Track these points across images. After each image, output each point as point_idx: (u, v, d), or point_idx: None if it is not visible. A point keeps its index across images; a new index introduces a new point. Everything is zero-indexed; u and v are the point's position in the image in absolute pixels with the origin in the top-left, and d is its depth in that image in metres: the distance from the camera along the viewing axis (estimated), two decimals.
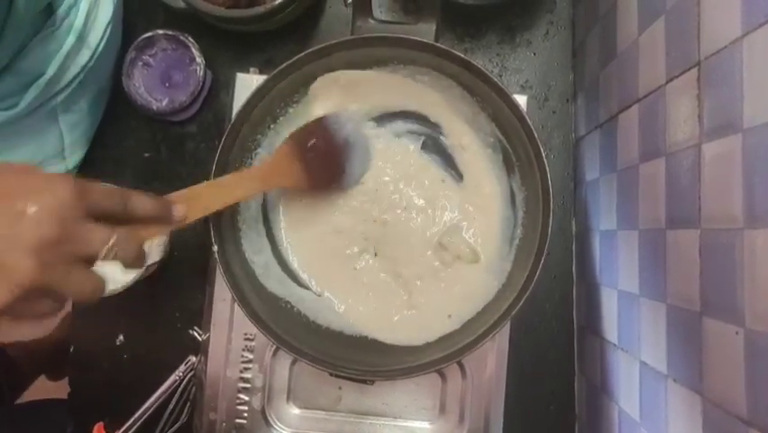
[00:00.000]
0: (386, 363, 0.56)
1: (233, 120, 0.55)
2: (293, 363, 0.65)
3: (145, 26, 0.69)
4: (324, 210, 0.63)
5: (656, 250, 0.48)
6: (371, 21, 0.56)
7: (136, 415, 0.64)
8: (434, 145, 0.64)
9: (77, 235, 0.37)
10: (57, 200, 0.36)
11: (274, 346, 0.64)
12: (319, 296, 0.62)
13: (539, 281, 0.52)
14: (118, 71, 0.68)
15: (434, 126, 0.63)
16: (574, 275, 0.70)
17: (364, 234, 0.63)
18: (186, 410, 0.66)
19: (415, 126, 0.63)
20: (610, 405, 0.59)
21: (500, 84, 0.54)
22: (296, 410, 0.65)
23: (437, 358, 0.55)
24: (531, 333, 0.69)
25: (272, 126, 0.60)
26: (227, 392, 0.65)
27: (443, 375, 0.65)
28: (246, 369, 0.65)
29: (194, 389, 0.66)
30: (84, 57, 0.61)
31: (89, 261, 0.39)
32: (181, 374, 0.66)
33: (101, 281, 0.40)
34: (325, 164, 0.59)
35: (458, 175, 0.63)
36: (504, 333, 0.65)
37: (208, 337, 0.65)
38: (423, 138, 0.63)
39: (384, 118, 0.63)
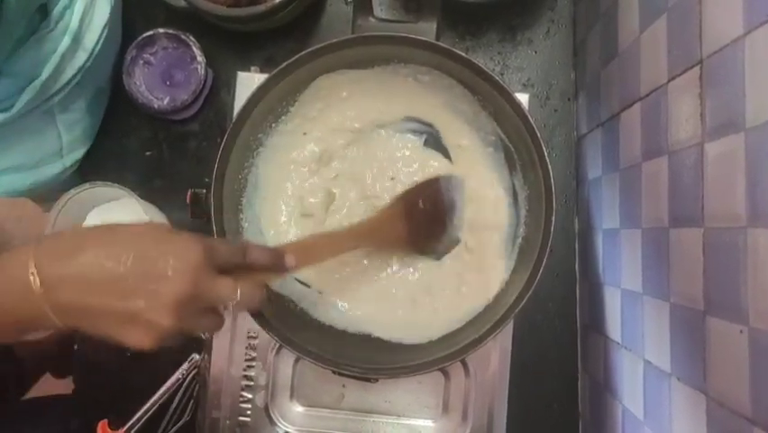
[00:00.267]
0: (389, 362, 0.57)
1: (234, 118, 0.55)
2: (296, 361, 0.65)
3: (146, 25, 0.69)
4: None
5: (659, 248, 0.48)
6: (372, 19, 0.56)
7: (140, 412, 0.64)
8: (435, 142, 0.64)
9: (207, 292, 0.42)
10: (191, 263, 0.41)
11: (277, 344, 0.64)
12: (321, 294, 0.62)
13: (542, 280, 0.52)
14: (119, 70, 0.68)
15: (434, 129, 0.63)
16: (577, 274, 0.70)
17: None
18: (189, 408, 0.67)
19: (415, 126, 0.64)
20: (614, 404, 0.59)
21: (502, 82, 0.53)
22: (299, 408, 0.65)
23: (440, 356, 0.55)
24: (534, 331, 0.69)
25: (274, 125, 0.60)
26: (230, 390, 0.65)
27: (446, 373, 0.65)
28: (249, 367, 0.65)
29: (197, 387, 0.67)
30: (80, 59, 0.61)
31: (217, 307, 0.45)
32: (185, 372, 0.66)
33: (223, 320, 0.46)
34: (429, 226, 0.59)
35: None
36: (507, 331, 0.64)
37: (212, 336, 0.65)
38: (425, 136, 0.63)
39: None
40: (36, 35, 0.57)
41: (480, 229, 0.62)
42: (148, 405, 0.65)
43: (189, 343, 0.67)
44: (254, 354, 0.65)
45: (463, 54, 0.54)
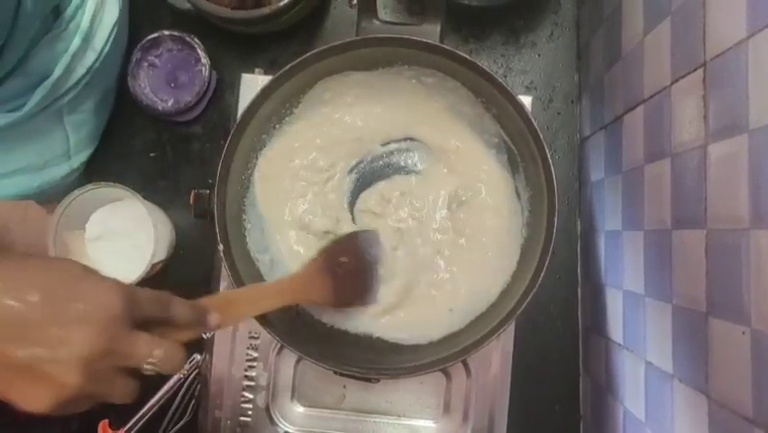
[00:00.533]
0: (390, 362, 0.57)
1: (238, 120, 0.55)
2: (297, 361, 0.65)
3: (151, 27, 0.70)
4: None
5: (662, 250, 0.48)
6: (376, 22, 0.56)
7: (141, 412, 0.64)
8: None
9: (124, 348, 0.36)
10: (107, 313, 0.35)
11: (278, 345, 0.64)
12: None
13: (544, 282, 0.52)
14: (124, 72, 0.68)
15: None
16: (579, 275, 0.70)
17: None
18: (190, 408, 0.67)
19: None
20: (615, 405, 0.59)
21: (505, 85, 0.54)
22: (300, 409, 0.66)
23: (442, 357, 0.55)
24: (536, 333, 0.69)
25: (277, 126, 0.61)
26: (232, 390, 0.65)
27: (447, 374, 0.65)
28: (251, 367, 0.65)
29: (198, 387, 0.67)
30: (90, 58, 0.62)
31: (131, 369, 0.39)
32: (186, 372, 0.66)
33: (137, 388, 0.39)
34: (354, 281, 0.59)
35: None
36: (509, 332, 0.65)
37: (213, 336, 0.65)
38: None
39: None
40: (49, 35, 0.58)
41: (481, 231, 0.62)
42: (149, 405, 0.65)
43: (190, 343, 0.67)
44: (255, 355, 0.65)
45: (467, 56, 0.54)
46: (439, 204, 0.63)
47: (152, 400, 0.65)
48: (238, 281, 0.54)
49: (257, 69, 0.69)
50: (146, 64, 0.69)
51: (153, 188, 0.71)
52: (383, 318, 0.61)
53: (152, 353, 0.38)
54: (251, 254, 0.59)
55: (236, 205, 0.59)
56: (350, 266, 0.58)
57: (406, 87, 0.61)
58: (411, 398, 0.65)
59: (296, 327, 0.57)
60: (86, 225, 0.67)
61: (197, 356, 0.67)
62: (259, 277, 0.59)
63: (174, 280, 0.70)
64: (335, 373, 0.55)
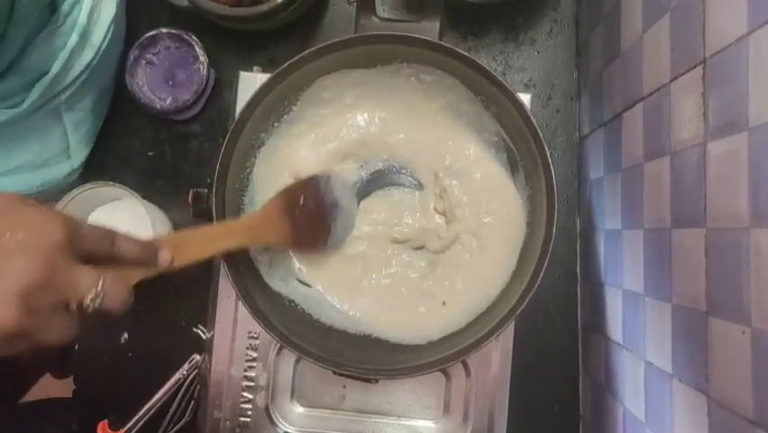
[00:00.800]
0: (390, 362, 0.56)
1: (236, 118, 0.55)
2: (297, 361, 0.65)
3: (148, 24, 0.69)
4: None
5: (661, 249, 0.48)
6: (375, 19, 0.56)
7: (140, 413, 0.64)
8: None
9: (64, 280, 0.35)
10: (46, 242, 0.34)
11: (278, 345, 0.64)
12: (321, 294, 0.62)
13: (543, 281, 0.52)
14: (121, 70, 0.68)
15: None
16: (578, 275, 0.70)
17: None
18: (190, 409, 0.67)
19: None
20: (615, 405, 0.58)
21: (504, 82, 0.53)
22: (300, 409, 0.65)
23: (441, 357, 0.55)
24: (535, 332, 0.68)
25: (276, 124, 0.60)
26: (231, 391, 0.65)
27: (447, 374, 0.65)
28: (250, 367, 0.65)
29: (198, 387, 0.67)
30: (88, 55, 0.61)
31: (70, 305, 0.36)
32: (185, 372, 0.66)
33: (76, 329, 0.37)
34: (312, 224, 0.59)
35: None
36: (508, 332, 0.64)
37: (212, 336, 0.65)
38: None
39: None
40: (45, 31, 0.58)
41: (480, 230, 0.62)
42: (148, 406, 0.65)
43: (190, 343, 0.67)
44: (255, 355, 0.65)
45: (466, 53, 0.53)
46: (439, 208, 0.63)
47: (152, 401, 0.65)
48: (237, 281, 0.54)
49: (255, 67, 0.68)
50: (144, 62, 0.69)
51: (151, 187, 0.70)
52: (383, 315, 0.61)
53: (95, 285, 0.36)
54: (250, 253, 0.59)
55: (235, 204, 0.58)
56: (308, 208, 0.58)
57: (405, 86, 0.60)
58: (411, 398, 0.65)
59: (295, 328, 0.57)
60: None
61: (197, 357, 0.67)
62: (258, 276, 0.59)
63: (173, 280, 0.70)
64: (335, 373, 0.55)
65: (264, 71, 0.68)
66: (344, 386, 0.65)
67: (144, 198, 0.63)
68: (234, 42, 0.72)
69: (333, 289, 0.63)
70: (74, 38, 0.59)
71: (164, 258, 0.43)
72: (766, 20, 0.34)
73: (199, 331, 0.68)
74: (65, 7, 0.59)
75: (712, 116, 0.40)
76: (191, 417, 0.66)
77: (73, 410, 0.69)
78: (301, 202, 0.57)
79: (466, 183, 0.62)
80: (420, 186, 0.63)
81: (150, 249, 0.42)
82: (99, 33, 0.62)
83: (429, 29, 0.55)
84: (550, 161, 0.53)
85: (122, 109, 0.71)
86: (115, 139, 0.71)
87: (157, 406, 0.65)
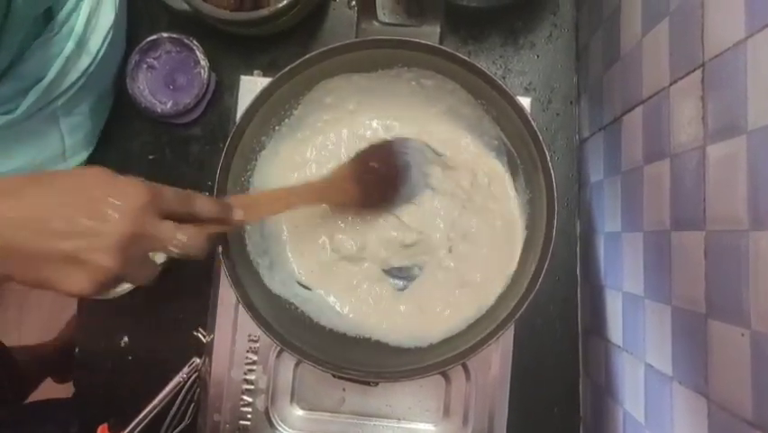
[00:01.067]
0: (389, 365, 0.56)
1: (237, 122, 0.55)
2: (297, 364, 0.65)
3: (149, 29, 0.70)
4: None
5: (661, 252, 0.48)
6: (375, 23, 0.56)
7: (140, 416, 0.64)
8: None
9: (152, 232, 0.41)
10: (135, 203, 0.40)
11: (278, 348, 0.64)
12: (321, 297, 0.62)
13: (543, 283, 0.52)
14: (122, 74, 0.68)
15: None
16: (578, 277, 0.70)
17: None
18: (190, 412, 0.66)
19: None
20: (615, 407, 0.59)
21: (504, 86, 0.54)
22: (299, 412, 0.65)
23: (441, 360, 0.55)
24: (535, 335, 0.68)
25: (277, 128, 0.61)
26: (231, 394, 0.65)
27: (447, 377, 0.65)
28: (250, 370, 0.65)
29: (198, 390, 0.66)
30: (84, 62, 0.61)
31: (157, 252, 0.44)
32: (185, 376, 0.66)
33: (158, 269, 0.45)
34: (382, 186, 0.60)
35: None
36: (508, 335, 0.64)
37: (212, 339, 0.65)
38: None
39: None
40: (41, 38, 0.58)
41: (481, 233, 0.62)
42: (148, 409, 0.64)
43: (190, 346, 0.67)
44: (255, 358, 0.65)
45: (466, 58, 0.54)
46: (441, 212, 0.63)
47: (152, 404, 0.65)
48: (237, 284, 0.54)
49: (256, 71, 0.69)
50: (145, 66, 0.69)
51: None
52: (383, 318, 0.61)
53: (176, 236, 0.43)
54: (251, 257, 0.59)
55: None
56: (379, 172, 0.60)
57: (406, 91, 0.61)
58: (411, 401, 0.65)
59: (295, 331, 0.57)
60: None
61: (197, 360, 0.67)
62: (258, 279, 0.59)
63: (174, 283, 0.70)
64: (334, 376, 0.55)
65: (265, 75, 0.68)
66: (344, 389, 0.65)
67: None
68: (235, 46, 0.72)
69: (333, 292, 0.63)
70: (70, 45, 0.59)
71: (237, 216, 0.48)
72: (764, 24, 0.35)
73: (199, 334, 0.68)
74: (61, 15, 0.59)
75: (711, 120, 0.41)
76: (191, 420, 0.66)
77: (73, 413, 0.69)
78: (374, 166, 0.59)
79: (468, 188, 0.62)
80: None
81: (224, 208, 0.48)
82: (97, 40, 0.62)
83: (429, 33, 0.55)
84: (550, 164, 0.53)
85: (122, 113, 0.71)
86: (116, 143, 0.71)
87: (157, 409, 0.65)
